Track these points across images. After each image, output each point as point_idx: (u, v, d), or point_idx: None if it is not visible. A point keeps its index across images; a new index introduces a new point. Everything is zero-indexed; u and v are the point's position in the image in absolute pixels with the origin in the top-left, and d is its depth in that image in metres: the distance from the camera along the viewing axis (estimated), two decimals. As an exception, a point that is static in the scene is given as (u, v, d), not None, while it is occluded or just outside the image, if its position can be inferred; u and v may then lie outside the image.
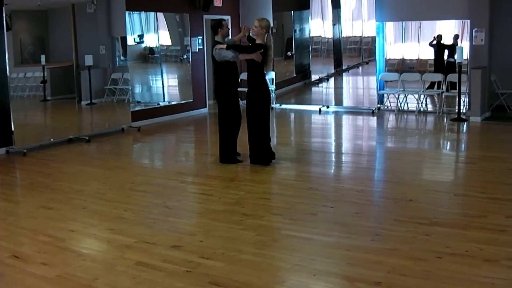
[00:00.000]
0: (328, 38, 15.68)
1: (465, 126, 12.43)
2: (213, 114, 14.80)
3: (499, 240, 5.45)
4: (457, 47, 13.21)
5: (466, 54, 13.41)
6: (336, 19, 15.49)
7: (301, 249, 5.32)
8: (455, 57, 13.05)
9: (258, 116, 8.56)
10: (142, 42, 14.07)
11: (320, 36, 15.85)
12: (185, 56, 14.89)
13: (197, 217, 6.66)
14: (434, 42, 14.42)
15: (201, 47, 15.07)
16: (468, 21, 13.48)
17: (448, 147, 11.03)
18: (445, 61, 14.26)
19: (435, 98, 14.30)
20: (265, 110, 8.65)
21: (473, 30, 13.20)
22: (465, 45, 13.61)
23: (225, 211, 6.56)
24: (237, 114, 8.84)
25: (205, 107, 15.25)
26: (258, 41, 8.53)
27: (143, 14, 13.69)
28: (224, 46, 8.56)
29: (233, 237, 5.69)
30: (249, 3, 16.26)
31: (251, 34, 8.83)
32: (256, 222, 6.11)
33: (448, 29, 14.50)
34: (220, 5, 15.59)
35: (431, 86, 14.21)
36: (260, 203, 6.92)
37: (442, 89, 13.79)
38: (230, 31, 15.05)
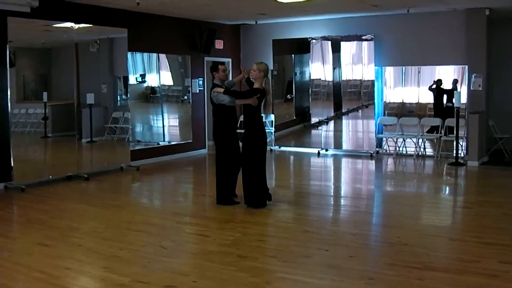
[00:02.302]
0: (328, 81, 15.82)
1: (462, 170, 12.48)
2: (212, 155, 14.82)
3: (492, 285, 5.47)
4: (455, 92, 13.33)
5: (464, 99, 13.54)
6: (336, 63, 15.65)
7: (294, 292, 5.34)
8: (454, 101, 13.15)
9: (254, 158, 8.63)
10: (144, 81, 14.24)
11: (320, 79, 15.98)
12: (186, 97, 15.03)
13: (192, 257, 6.66)
14: (434, 86, 14.55)
15: (202, 88, 15.24)
16: (466, 66, 13.63)
17: (445, 192, 11.06)
18: (444, 106, 14.36)
19: (434, 142, 14.34)
20: (262, 153, 8.72)
21: (471, 76, 13.35)
22: (463, 90, 13.74)
23: (220, 252, 6.57)
24: (235, 155, 8.88)
25: (205, 148, 15.34)
26: (256, 85, 8.61)
27: (145, 54, 13.86)
28: (222, 90, 8.65)
29: (227, 278, 5.70)
30: (250, 46, 16.48)
31: (250, 77, 8.92)
32: (251, 264, 6.11)
33: (447, 73, 14.65)
34: (221, 47, 15.80)
35: (432, 130, 14.27)
36: (255, 245, 6.92)
37: (440, 133, 13.88)
38: (230, 73, 15.37)
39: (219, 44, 15.68)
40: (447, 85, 14.44)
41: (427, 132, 14.31)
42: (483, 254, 6.48)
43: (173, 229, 7.78)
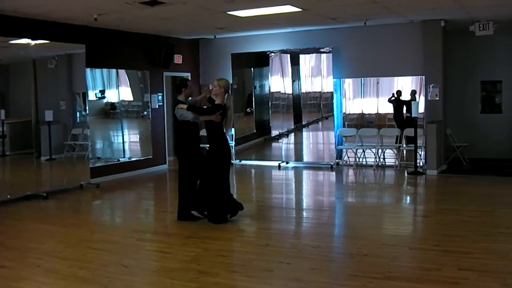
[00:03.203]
0: (288, 94, 15.88)
1: (422, 179, 12.64)
2: (173, 170, 14.81)
3: (452, 293, 5.53)
4: (413, 102, 13.50)
5: (422, 109, 13.73)
6: (296, 75, 15.73)
7: (257, 306, 5.32)
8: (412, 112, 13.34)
9: (218, 174, 8.62)
10: (104, 97, 14.11)
11: (280, 92, 16.04)
12: (145, 112, 14.94)
13: (153, 275, 6.59)
14: (393, 98, 14.71)
15: (161, 103, 15.18)
16: (423, 77, 13.83)
17: (405, 201, 11.19)
18: (404, 116, 14.51)
19: (394, 152, 14.49)
20: (226, 168, 8.72)
21: (428, 86, 13.55)
22: (421, 100, 13.94)
23: (181, 269, 6.51)
24: (197, 172, 8.85)
25: (165, 163, 15.28)
26: (217, 101, 8.62)
27: (104, 69, 13.75)
28: (185, 106, 8.62)
29: (189, 295, 5.67)
30: (209, 60, 16.49)
31: (212, 95, 8.95)
32: (212, 280, 6.08)
33: (405, 84, 14.84)
34: (180, 62, 15.77)
35: (400, 140, 14.32)
36: (217, 260, 6.88)
37: (399, 143, 14.05)
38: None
39: (178, 59, 15.65)
40: (406, 96, 14.60)
41: (395, 142, 14.45)
42: (443, 262, 6.54)
43: (134, 247, 7.68)
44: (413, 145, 13.37)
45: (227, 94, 8.72)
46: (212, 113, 8.55)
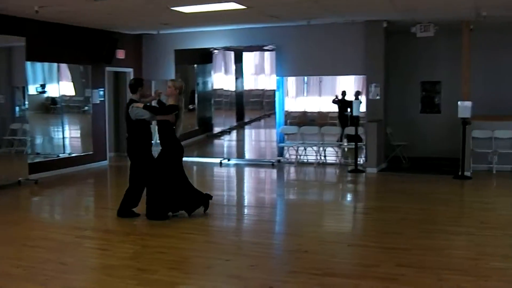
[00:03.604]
0: (231, 91, 15.86)
1: (362, 177, 12.80)
2: (114, 166, 14.70)
3: (390, 289, 5.60)
4: (353, 101, 13.64)
5: (363, 108, 13.91)
6: (239, 73, 15.73)
7: (196, 303, 5.30)
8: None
9: (172, 173, 8.65)
10: (44, 92, 13.80)
11: (223, 89, 16.02)
12: (86, 108, 14.71)
13: (92, 272, 6.49)
14: (338, 98, 14.85)
15: (103, 99, 14.97)
16: (365, 76, 14.01)
17: (345, 199, 11.32)
18: (348, 116, 14.64)
19: (335, 150, 14.63)
20: (180, 167, 8.77)
21: (370, 85, 13.73)
22: (363, 100, 14.10)
23: (120, 266, 6.44)
24: (148, 172, 8.78)
25: (106, 159, 15.07)
26: (171, 102, 8.60)
27: (45, 63, 13.48)
28: (141, 105, 8.57)
29: (127, 292, 5.61)
30: (152, 56, 16.34)
31: (160, 98, 8.93)
32: (151, 277, 6.02)
33: (348, 84, 15.00)
34: (123, 57, 15.59)
35: (351, 139, 14.39)
36: (156, 257, 6.81)
37: (341, 141, 14.21)
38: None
39: (120, 54, 15.47)
40: (350, 96, 14.75)
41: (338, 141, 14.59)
42: (382, 258, 6.65)
43: (73, 244, 7.53)
44: (354, 143, 13.53)
45: (180, 96, 8.71)
46: (169, 113, 8.55)
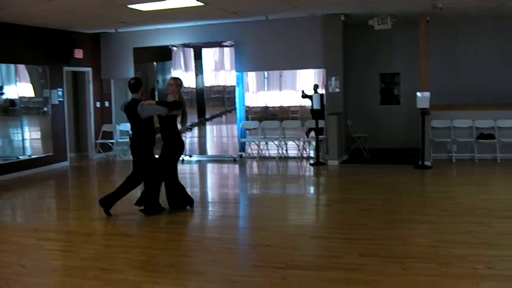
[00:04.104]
0: (191, 88, 15.81)
1: (323, 170, 12.87)
2: (75, 167, 14.53)
3: (352, 279, 5.66)
4: (313, 95, 13.70)
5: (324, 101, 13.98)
6: (199, 69, 15.68)
7: (159, 301, 5.27)
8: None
9: (169, 166, 8.89)
10: (2, 93, 13.59)
11: (183, 86, 15.94)
12: (45, 109, 14.52)
13: (54, 274, 6.38)
14: (305, 94, 14.91)
15: (62, 99, 14.79)
16: (324, 70, 14.08)
17: (307, 191, 11.37)
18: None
19: (296, 144, 14.66)
20: (176, 162, 9.03)
21: (329, 78, 13.80)
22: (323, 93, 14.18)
23: (82, 267, 6.35)
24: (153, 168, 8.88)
25: (66, 160, 14.89)
26: (171, 98, 8.73)
27: (3, 64, 13.26)
28: (154, 102, 8.86)
29: (90, 293, 5.54)
30: (110, 54, 16.19)
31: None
32: (114, 277, 5.96)
33: (308, 77, 15.07)
34: (81, 57, 15.41)
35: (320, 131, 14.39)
36: (119, 256, 6.76)
37: (303, 135, 14.27)
38: (90, 83, 15.12)
39: (78, 53, 15.29)
40: (311, 89, 14.81)
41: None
42: (344, 249, 6.70)
43: (34, 246, 7.41)
44: (318, 136, 13.58)
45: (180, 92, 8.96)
46: (178, 108, 8.76)
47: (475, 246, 6.63)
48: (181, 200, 9.10)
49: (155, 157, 8.92)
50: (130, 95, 8.86)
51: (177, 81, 8.97)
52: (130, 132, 9.09)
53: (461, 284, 5.42)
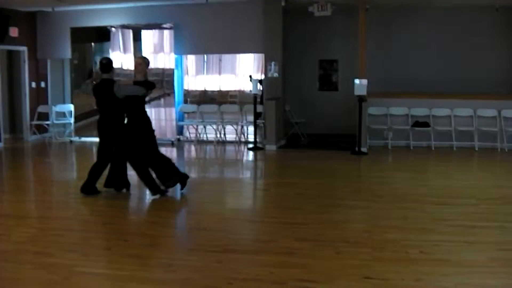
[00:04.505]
0: (130, 70, 15.60)
1: (261, 154, 12.92)
2: (9, 149, 14.18)
3: (288, 262, 5.72)
4: (252, 80, 13.70)
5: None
6: (138, 51, 15.49)
7: (94, 286, 5.21)
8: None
9: (146, 146, 8.80)
10: None
11: (122, 68, 15.73)
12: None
13: (-15, 258, 6.27)
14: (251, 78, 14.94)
15: (-5, 78, 14.40)
16: (264, 54, 14.10)
17: (244, 176, 11.40)
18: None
19: (234, 128, 14.65)
20: (154, 139, 8.99)
21: (269, 64, 13.83)
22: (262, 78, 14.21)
23: (15, 251, 6.22)
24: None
25: (0, 141, 14.50)
26: (140, 78, 8.71)
27: None
28: (131, 82, 8.77)
29: (23, 277, 5.43)
30: (46, 34, 15.81)
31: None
32: (47, 260, 5.86)
33: (248, 62, 15.07)
34: (16, 35, 15.01)
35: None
36: (53, 240, 6.64)
37: (241, 119, 14.29)
38: (26, 63, 14.74)
39: (13, 32, 14.88)
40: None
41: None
42: (280, 233, 6.77)
43: (-35, 230, 7.26)
44: (256, 121, 13.62)
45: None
46: (154, 87, 8.97)
47: (409, 231, 6.79)
48: (172, 173, 8.94)
49: (129, 136, 8.75)
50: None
51: (146, 60, 8.90)
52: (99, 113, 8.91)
53: (393, 267, 5.54)
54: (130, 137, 8.70)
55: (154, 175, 8.81)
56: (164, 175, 8.86)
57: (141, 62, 8.81)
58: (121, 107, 8.64)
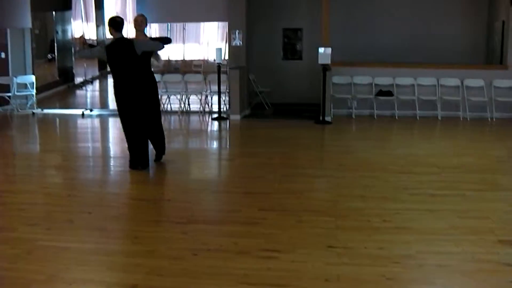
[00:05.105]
0: (93, 40, 15.43)
1: (225, 124, 12.92)
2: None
3: (252, 232, 5.77)
4: (216, 49, 13.62)
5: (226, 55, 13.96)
6: (100, 20, 15.31)
7: (58, 259, 5.16)
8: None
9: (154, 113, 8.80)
10: None
11: (84, 37, 15.54)
12: None
13: None
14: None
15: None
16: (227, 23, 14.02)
17: (208, 146, 11.40)
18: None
19: (198, 98, 14.57)
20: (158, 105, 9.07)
21: (233, 32, 13.75)
22: (225, 46, 14.14)
23: (-25, 226, 6.18)
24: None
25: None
26: (141, 36, 8.75)
27: None
28: (147, 38, 8.79)
29: (-15, 252, 5.40)
30: (5, 2, 15.35)
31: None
32: (9, 235, 5.80)
33: (212, 31, 14.98)
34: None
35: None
36: (14, 214, 6.57)
37: (205, 89, 14.23)
38: None
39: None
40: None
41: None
42: (244, 203, 6.83)
43: None
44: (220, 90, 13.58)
45: None
46: (170, 42, 8.96)
47: (372, 200, 6.88)
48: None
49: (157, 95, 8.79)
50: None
51: (145, 19, 8.93)
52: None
53: (356, 236, 5.62)
54: (143, 101, 8.51)
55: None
56: (162, 148, 8.94)
57: (142, 19, 8.79)
58: (138, 66, 8.39)
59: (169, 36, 8.94)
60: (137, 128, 8.46)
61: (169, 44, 8.82)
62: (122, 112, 8.46)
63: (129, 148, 8.55)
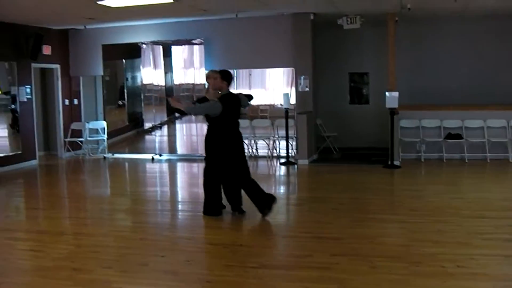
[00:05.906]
0: (161, 86, 15.74)
1: (293, 169, 12.90)
2: (44, 165, 14.36)
3: (324, 277, 5.70)
4: (283, 94, 13.68)
5: (293, 100, 14.01)
6: (168, 67, 15.62)
7: (132, 301, 5.23)
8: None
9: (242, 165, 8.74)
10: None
11: (152, 83, 15.87)
12: (13, 106, 14.30)
13: (25, 275, 6.28)
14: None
15: (30, 96, 14.55)
16: (293, 69, 14.11)
17: (278, 190, 11.36)
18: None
19: (266, 143, 14.60)
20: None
21: (299, 78, 13.84)
22: (292, 92, 14.20)
23: (54, 267, 6.28)
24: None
25: (35, 158, 14.68)
26: (215, 94, 8.45)
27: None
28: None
29: (63, 293, 5.49)
30: (79, 51, 15.98)
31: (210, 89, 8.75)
32: (86, 277, 5.91)
33: (278, 76, 15.08)
34: (49, 53, 15.21)
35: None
36: (90, 256, 6.70)
37: (272, 134, 14.28)
38: (59, 80, 14.90)
39: (46, 50, 15.07)
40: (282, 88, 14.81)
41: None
42: (315, 248, 6.75)
43: (4, 247, 7.30)
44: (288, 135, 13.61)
45: None
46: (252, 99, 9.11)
47: (445, 245, 6.72)
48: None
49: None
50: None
51: (217, 74, 8.55)
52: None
53: (430, 282, 5.49)
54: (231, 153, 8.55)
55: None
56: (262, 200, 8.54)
57: (216, 76, 8.39)
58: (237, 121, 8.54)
59: (251, 94, 8.94)
60: (235, 178, 8.64)
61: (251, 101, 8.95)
62: (225, 161, 8.54)
63: (211, 194, 8.58)
